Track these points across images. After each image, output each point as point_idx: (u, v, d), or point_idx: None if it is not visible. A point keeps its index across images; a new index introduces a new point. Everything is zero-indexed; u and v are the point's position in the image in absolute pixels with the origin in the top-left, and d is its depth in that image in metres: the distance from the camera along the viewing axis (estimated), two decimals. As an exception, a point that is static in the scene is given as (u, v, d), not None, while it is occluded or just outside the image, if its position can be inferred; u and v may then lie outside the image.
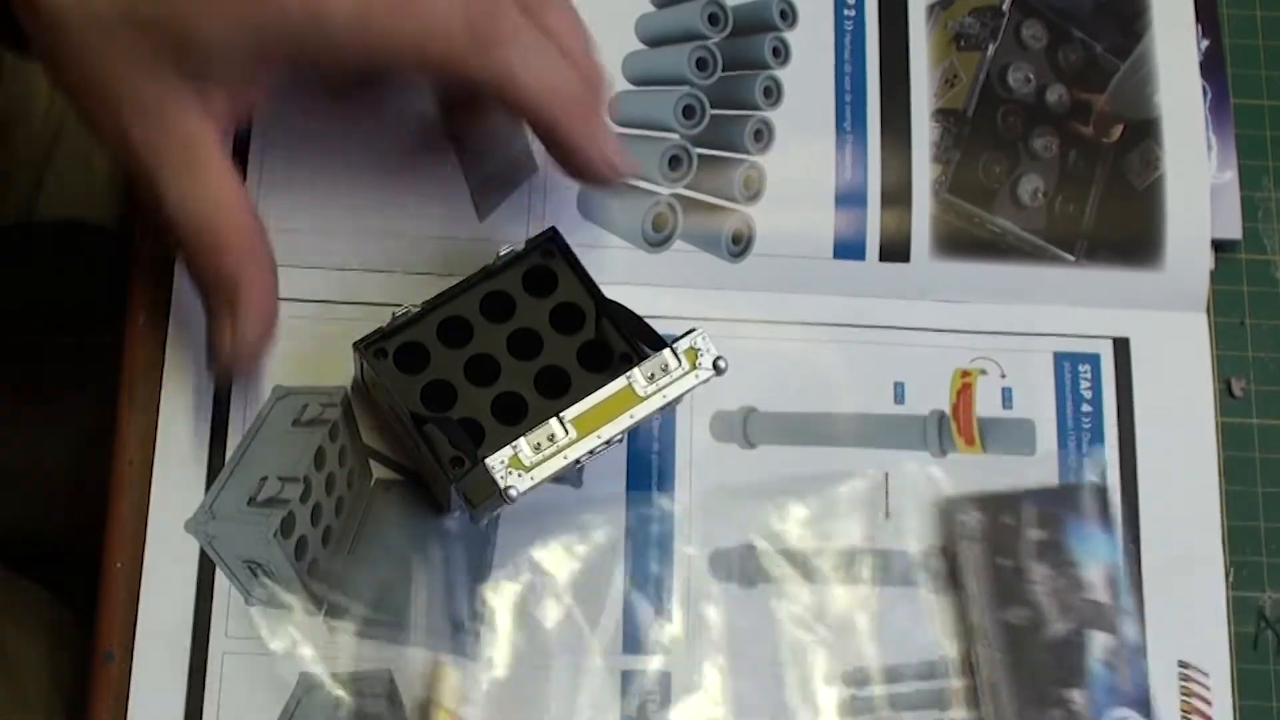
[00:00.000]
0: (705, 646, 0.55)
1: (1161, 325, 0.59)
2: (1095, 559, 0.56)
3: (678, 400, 0.50)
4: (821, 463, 0.57)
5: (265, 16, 0.46)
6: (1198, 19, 0.62)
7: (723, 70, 0.60)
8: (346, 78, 0.55)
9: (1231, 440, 0.59)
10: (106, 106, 0.47)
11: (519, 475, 0.48)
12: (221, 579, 0.54)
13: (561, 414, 0.48)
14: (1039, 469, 0.57)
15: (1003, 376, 0.58)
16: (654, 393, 0.49)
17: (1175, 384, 0.58)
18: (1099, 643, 0.55)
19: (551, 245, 0.53)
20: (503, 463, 0.48)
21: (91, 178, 0.70)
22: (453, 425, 0.50)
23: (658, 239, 0.58)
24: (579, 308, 0.52)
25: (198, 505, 0.55)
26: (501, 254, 0.52)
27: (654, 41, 0.60)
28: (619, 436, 0.50)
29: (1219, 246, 0.60)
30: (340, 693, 0.53)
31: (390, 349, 0.52)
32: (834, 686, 0.55)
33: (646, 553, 0.56)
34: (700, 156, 0.59)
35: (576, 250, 0.52)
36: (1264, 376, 0.60)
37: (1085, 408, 0.58)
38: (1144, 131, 0.60)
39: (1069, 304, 0.59)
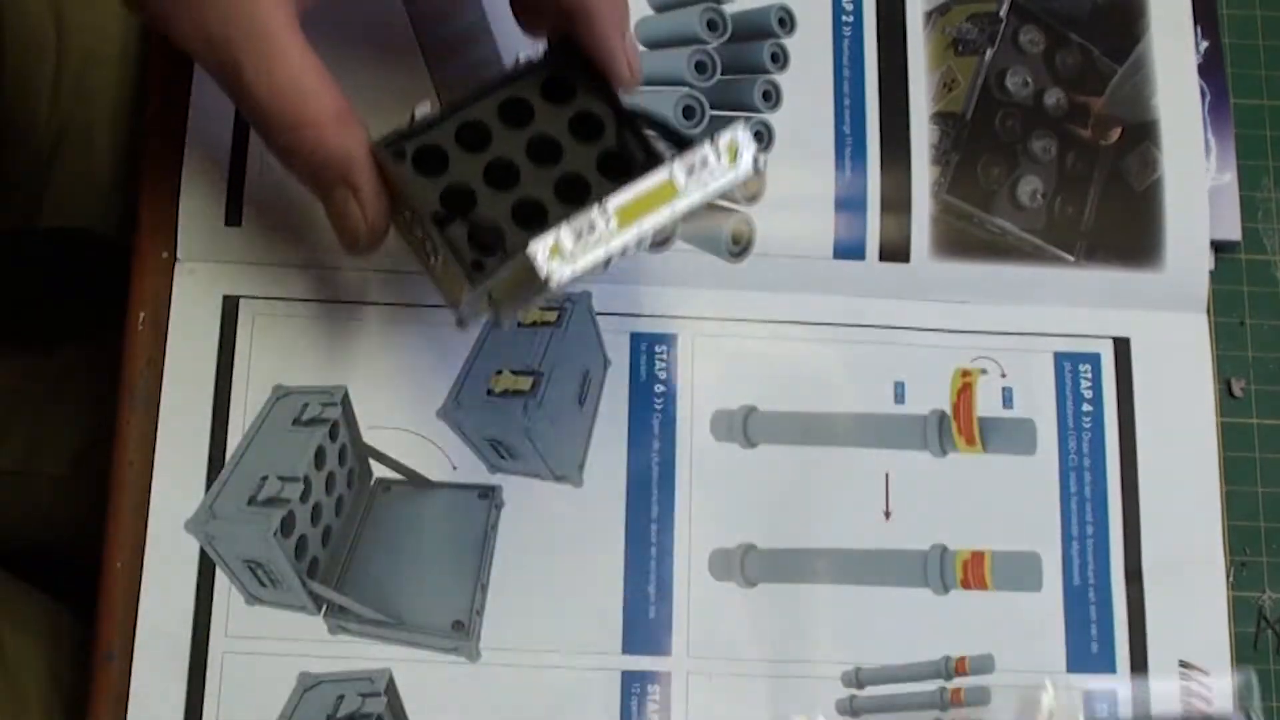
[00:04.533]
0: (705, 646, 0.55)
1: (1161, 325, 0.59)
2: None
3: (717, 194, 0.48)
4: (822, 462, 0.57)
5: None
6: (1197, 20, 0.62)
7: (722, 74, 0.60)
8: None
9: (1231, 440, 0.59)
10: (183, 7, 0.48)
11: (560, 263, 0.45)
12: (222, 579, 0.54)
13: (603, 200, 0.47)
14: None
15: (1003, 376, 0.58)
16: (694, 187, 0.48)
17: (1175, 384, 0.58)
18: None
19: (570, 55, 0.52)
20: (544, 250, 0.45)
21: (93, 185, 0.70)
22: (476, 219, 0.49)
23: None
24: (598, 117, 0.52)
25: (198, 505, 0.55)
26: (520, 61, 0.52)
27: (653, 45, 0.60)
28: (657, 234, 0.48)
29: (1219, 247, 0.61)
30: (340, 692, 0.53)
31: (409, 150, 0.50)
32: (834, 686, 0.55)
33: (646, 552, 0.56)
34: (700, 158, 0.59)
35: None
36: (1264, 376, 0.60)
37: (1085, 408, 0.58)
38: (1142, 134, 0.61)
39: (1069, 304, 0.59)
